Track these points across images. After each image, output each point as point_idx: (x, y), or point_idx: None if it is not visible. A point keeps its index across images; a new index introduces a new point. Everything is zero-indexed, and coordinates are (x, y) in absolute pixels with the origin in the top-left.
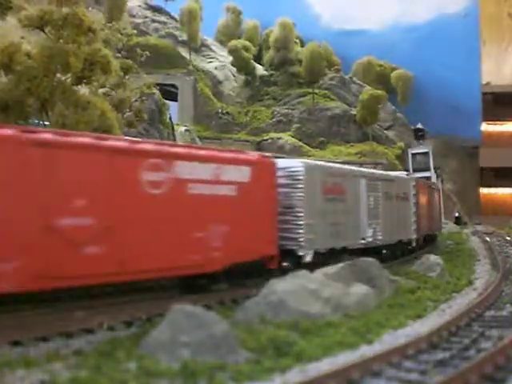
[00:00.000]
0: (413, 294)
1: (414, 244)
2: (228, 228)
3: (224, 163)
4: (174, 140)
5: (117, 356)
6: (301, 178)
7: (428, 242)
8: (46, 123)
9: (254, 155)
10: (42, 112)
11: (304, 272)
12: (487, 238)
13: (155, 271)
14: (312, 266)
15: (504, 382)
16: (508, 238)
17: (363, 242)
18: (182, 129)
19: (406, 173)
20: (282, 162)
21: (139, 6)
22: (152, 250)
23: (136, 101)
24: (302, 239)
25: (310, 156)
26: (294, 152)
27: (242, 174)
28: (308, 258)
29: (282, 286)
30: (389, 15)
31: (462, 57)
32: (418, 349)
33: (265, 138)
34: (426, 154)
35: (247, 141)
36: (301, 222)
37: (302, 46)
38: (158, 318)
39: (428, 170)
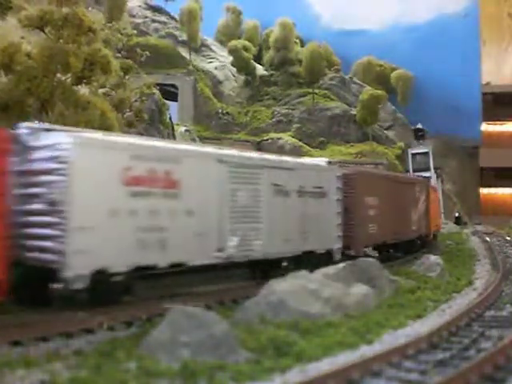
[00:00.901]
0: (413, 294)
1: (337, 257)
2: None
3: None
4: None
5: (117, 356)
6: (67, 159)
7: (400, 251)
8: (47, 123)
9: None
10: (42, 112)
11: (304, 272)
12: (487, 238)
13: None
14: (98, 297)
15: (504, 382)
16: (508, 238)
17: (221, 254)
18: (182, 129)
19: (325, 160)
20: (44, 138)
21: (139, 6)
22: None
23: (136, 101)
24: (67, 252)
25: (309, 156)
26: (294, 152)
27: None
28: (80, 284)
29: (281, 286)
30: (389, 15)
31: (461, 57)
32: (418, 349)
33: (265, 138)
34: (426, 154)
35: (247, 141)
36: (66, 226)
37: (302, 46)
38: (158, 318)
39: (428, 170)
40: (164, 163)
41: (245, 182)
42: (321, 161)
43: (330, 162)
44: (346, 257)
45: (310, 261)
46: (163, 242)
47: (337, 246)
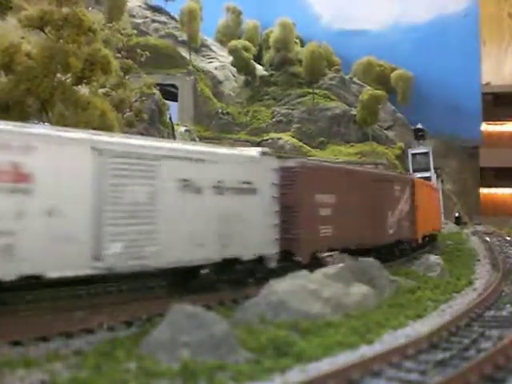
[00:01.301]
0: (413, 294)
1: (272, 264)
2: None
3: None
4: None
5: (117, 356)
6: None
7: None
8: (46, 124)
9: None
10: (42, 112)
11: (304, 272)
12: (487, 238)
13: None
14: None
15: (504, 382)
16: (508, 238)
17: (97, 264)
18: (182, 129)
19: (258, 150)
20: None
21: (139, 6)
22: None
23: (136, 101)
24: None
25: (310, 156)
26: (294, 152)
27: None
28: None
29: (282, 287)
30: (389, 15)
31: (461, 57)
32: (418, 349)
33: (265, 138)
34: (426, 154)
35: (247, 141)
36: None
37: (302, 46)
38: (158, 318)
39: (428, 170)
40: (10, 151)
41: (135, 176)
42: (252, 151)
43: (264, 153)
44: (290, 263)
45: (235, 268)
46: (8, 250)
47: (272, 251)
